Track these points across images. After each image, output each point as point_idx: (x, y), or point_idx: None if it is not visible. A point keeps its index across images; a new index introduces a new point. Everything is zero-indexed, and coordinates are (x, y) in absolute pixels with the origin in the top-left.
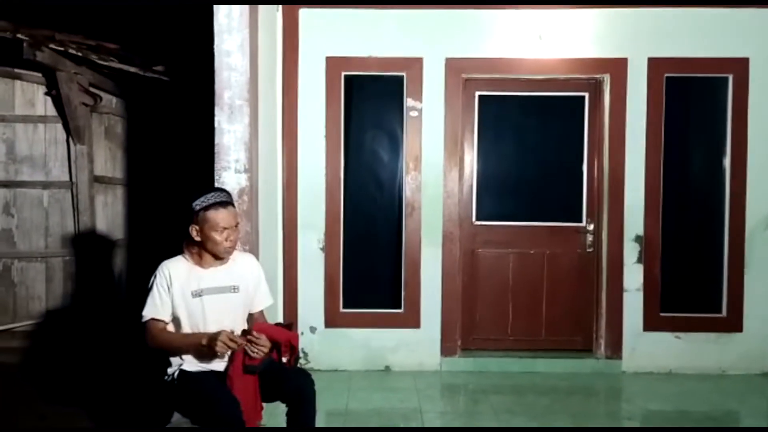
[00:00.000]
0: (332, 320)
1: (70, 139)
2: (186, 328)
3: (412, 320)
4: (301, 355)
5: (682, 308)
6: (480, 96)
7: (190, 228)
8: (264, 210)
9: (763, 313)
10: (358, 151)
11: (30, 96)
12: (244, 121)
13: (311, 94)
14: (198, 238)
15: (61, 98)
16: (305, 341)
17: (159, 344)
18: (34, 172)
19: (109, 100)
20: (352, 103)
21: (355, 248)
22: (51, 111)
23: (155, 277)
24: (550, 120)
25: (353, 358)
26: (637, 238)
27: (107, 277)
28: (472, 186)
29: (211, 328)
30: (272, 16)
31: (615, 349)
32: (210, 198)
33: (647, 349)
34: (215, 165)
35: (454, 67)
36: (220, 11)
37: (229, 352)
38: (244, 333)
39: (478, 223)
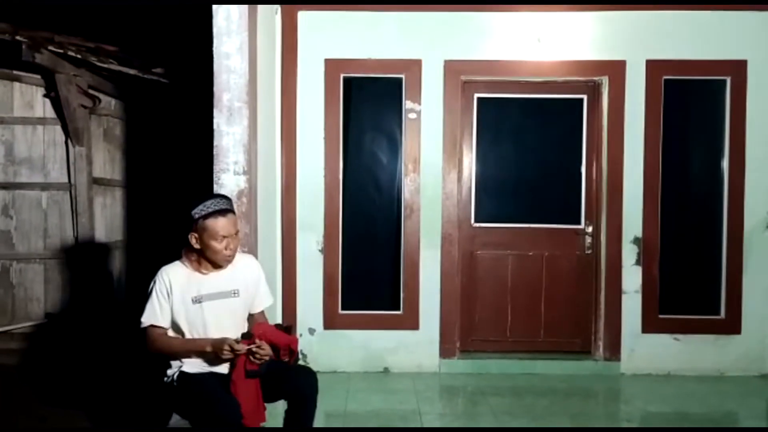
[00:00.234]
0: (331, 322)
1: (69, 141)
2: (186, 334)
3: (410, 322)
4: (300, 357)
5: (680, 310)
6: (479, 98)
7: (189, 236)
8: (263, 212)
9: (761, 314)
10: (357, 153)
11: (29, 98)
12: (243, 123)
13: (310, 96)
14: (197, 246)
15: (60, 100)
16: (304, 343)
17: (159, 349)
18: (33, 173)
19: (108, 102)
20: (351, 104)
21: (354, 250)
22: (50, 113)
23: (154, 283)
24: (548, 122)
25: (352, 360)
26: (636, 240)
27: (106, 279)
28: (470, 188)
29: (212, 333)
30: (271, 18)
31: (614, 350)
32: (209, 206)
33: (646, 351)
34: (214, 167)
35: (452, 69)
36: (219, 14)
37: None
38: (245, 336)
39: (477, 224)
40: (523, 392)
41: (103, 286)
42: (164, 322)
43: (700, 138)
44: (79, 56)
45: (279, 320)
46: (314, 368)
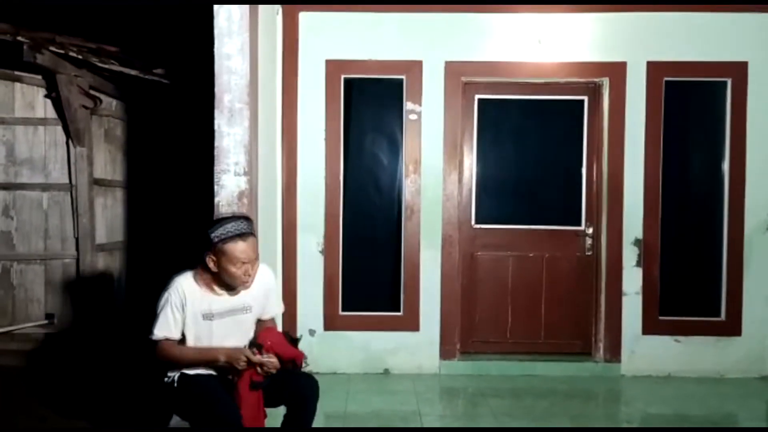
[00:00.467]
0: (331, 323)
1: (70, 142)
2: (189, 344)
3: (411, 323)
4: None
5: (681, 312)
6: (479, 99)
7: (207, 258)
8: (263, 213)
9: (761, 316)
10: (357, 154)
11: (30, 98)
12: (244, 124)
13: (311, 97)
14: (215, 270)
15: (61, 101)
16: (304, 344)
17: (171, 359)
18: (34, 174)
19: (109, 103)
20: (352, 105)
21: (355, 251)
22: (51, 113)
23: (169, 294)
24: (549, 123)
25: (352, 361)
26: (636, 242)
27: (106, 280)
28: (471, 189)
29: (216, 344)
30: (272, 19)
31: (614, 352)
32: (230, 230)
33: (646, 353)
34: (215, 168)
35: (453, 70)
36: (220, 14)
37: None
38: (252, 345)
39: (478, 226)
40: (524, 394)
41: (104, 286)
42: (177, 334)
43: (700, 140)
44: (80, 57)
45: (279, 321)
46: (314, 370)
